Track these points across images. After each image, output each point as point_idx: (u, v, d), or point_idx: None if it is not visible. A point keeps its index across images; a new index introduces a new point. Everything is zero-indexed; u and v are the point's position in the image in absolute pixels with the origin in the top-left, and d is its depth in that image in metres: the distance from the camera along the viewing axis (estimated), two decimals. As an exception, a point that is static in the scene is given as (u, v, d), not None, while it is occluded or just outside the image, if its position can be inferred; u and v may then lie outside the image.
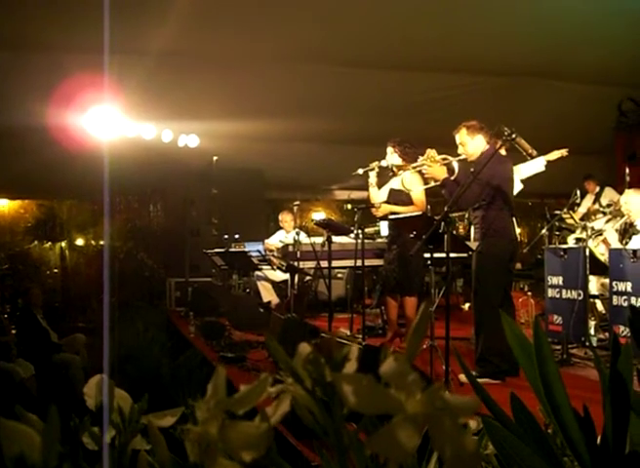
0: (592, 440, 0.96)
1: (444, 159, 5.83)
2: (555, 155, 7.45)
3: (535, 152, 5.59)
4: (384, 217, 7.25)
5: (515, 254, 6.04)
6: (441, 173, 5.71)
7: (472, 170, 5.63)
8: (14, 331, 8.35)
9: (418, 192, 6.95)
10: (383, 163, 7.10)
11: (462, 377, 5.18)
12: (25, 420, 0.78)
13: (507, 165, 5.83)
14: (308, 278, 9.21)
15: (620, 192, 9.58)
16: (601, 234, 7.70)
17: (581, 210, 10.29)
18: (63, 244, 16.15)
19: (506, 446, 0.97)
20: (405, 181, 6.93)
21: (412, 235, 5.68)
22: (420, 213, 6.49)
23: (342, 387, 0.65)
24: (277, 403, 0.72)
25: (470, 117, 6.08)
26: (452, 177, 5.67)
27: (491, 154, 5.37)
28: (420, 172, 6.40)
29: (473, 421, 1.21)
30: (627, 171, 9.89)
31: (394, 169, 6.95)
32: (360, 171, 7.14)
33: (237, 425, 0.71)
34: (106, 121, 10.14)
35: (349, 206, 7.60)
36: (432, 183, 5.90)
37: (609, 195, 10.67)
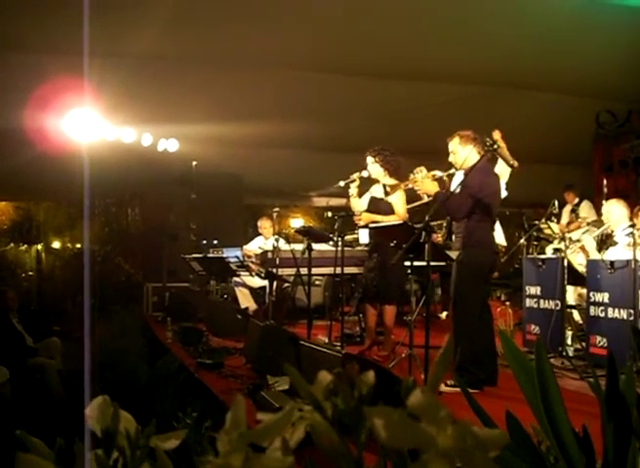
0: (591, 461, 0.95)
1: (434, 175, 5.86)
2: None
3: (515, 163, 5.61)
4: (366, 226, 7.25)
5: (495, 266, 6.06)
6: (433, 187, 5.72)
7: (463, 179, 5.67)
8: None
9: (399, 201, 6.96)
10: (364, 174, 7.10)
11: (441, 387, 5.20)
12: (31, 446, 0.76)
13: (496, 178, 5.86)
14: (287, 285, 9.18)
15: (598, 203, 9.64)
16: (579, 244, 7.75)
17: (563, 221, 10.35)
18: (40, 246, 16.03)
19: (502, 462, 0.96)
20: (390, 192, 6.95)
21: (392, 244, 5.69)
22: (400, 222, 6.50)
23: (374, 422, 0.63)
24: (293, 429, 0.70)
25: (449, 126, 6.10)
26: (444, 190, 5.70)
27: (480, 165, 5.42)
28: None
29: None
30: (605, 182, 9.96)
31: (388, 189, 6.94)
32: (341, 183, 7.14)
33: (261, 458, 0.69)
34: (85, 124, 10.08)
35: (329, 213, 7.59)
36: (426, 199, 5.91)
37: (585, 208, 10.74)
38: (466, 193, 5.43)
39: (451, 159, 5.94)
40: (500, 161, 7.03)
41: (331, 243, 8.10)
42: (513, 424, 1.03)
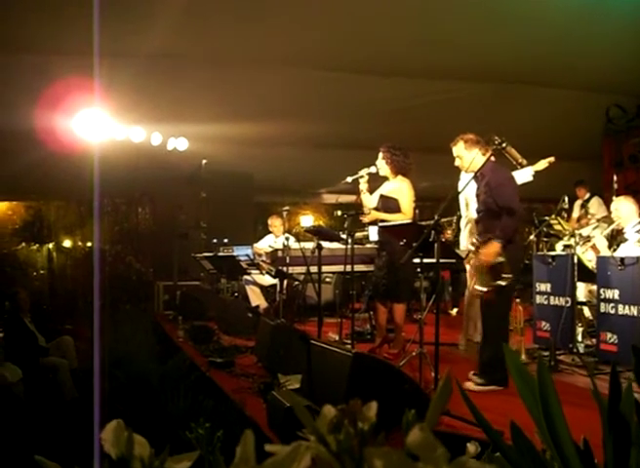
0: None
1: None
2: (543, 165, 7.43)
3: (524, 161, 5.61)
4: (373, 223, 7.27)
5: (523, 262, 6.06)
6: (496, 249, 5.68)
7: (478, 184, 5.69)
8: (1, 335, 8.30)
9: (406, 200, 6.97)
10: (372, 170, 7.11)
11: (470, 385, 5.25)
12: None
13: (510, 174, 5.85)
14: (297, 283, 9.21)
15: (608, 198, 9.62)
16: (589, 240, 7.73)
17: (575, 215, 10.34)
18: (51, 246, 16.12)
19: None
20: (396, 190, 7.00)
21: (402, 243, 5.69)
22: (409, 221, 6.52)
23: (374, 462, 0.64)
24: (299, 458, 0.71)
25: (458, 123, 6.11)
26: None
27: (495, 166, 5.44)
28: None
29: (472, 445, 1.22)
30: (615, 177, 9.94)
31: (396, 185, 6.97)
32: (349, 179, 7.14)
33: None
34: (95, 123, 10.12)
35: (339, 212, 7.63)
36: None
37: (595, 204, 10.73)
38: (488, 195, 5.46)
39: (457, 163, 5.95)
40: (521, 171, 7.03)
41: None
42: (517, 433, 1.04)
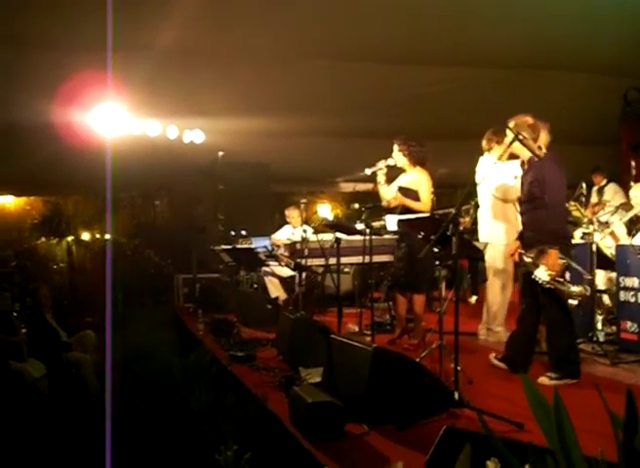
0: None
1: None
2: None
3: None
4: (391, 212, 7.25)
5: None
6: (554, 257, 5.68)
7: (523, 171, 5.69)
8: (24, 331, 8.38)
9: (425, 190, 6.97)
10: (390, 162, 7.11)
11: (544, 380, 5.23)
12: None
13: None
14: (316, 274, 9.23)
15: (626, 183, 9.55)
16: (608, 227, 7.69)
17: (593, 200, 10.28)
18: (70, 239, 16.21)
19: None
20: (414, 181, 7.01)
21: (420, 235, 5.69)
22: (427, 214, 6.53)
23: None
24: None
25: (474, 109, 6.07)
26: None
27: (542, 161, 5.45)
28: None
29: (491, 463, 1.24)
30: (633, 163, 9.85)
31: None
32: (367, 171, 7.13)
33: None
34: (111, 118, 10.16)
35: (357, 205, 7.65)
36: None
37: (611, 191, 10.67)
38: (551, 198, 5.44)
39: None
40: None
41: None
42: (535, 455, 1.05)
